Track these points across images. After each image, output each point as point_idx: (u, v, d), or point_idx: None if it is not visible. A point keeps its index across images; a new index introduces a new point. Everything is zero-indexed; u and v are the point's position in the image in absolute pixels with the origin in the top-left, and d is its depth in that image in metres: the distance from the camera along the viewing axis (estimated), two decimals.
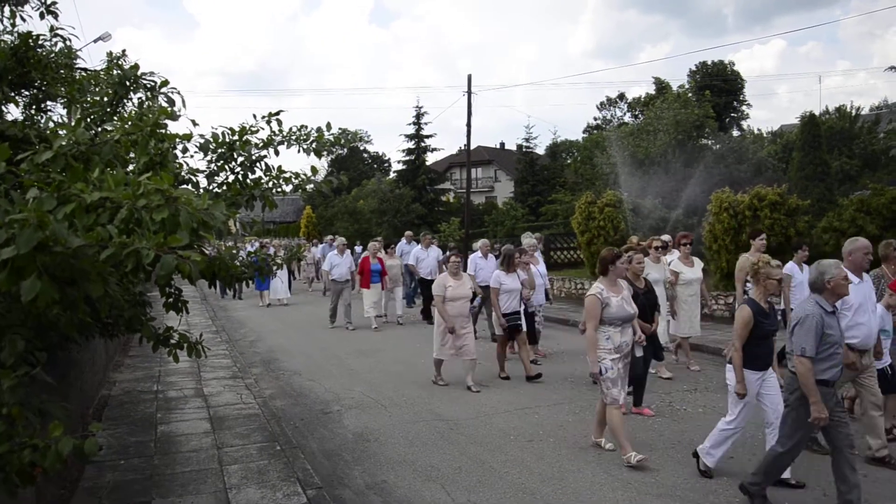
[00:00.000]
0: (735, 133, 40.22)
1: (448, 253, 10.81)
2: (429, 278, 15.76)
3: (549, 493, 5.84)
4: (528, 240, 12.41)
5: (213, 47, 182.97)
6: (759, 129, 41.61)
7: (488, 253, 13.60)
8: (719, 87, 43.52)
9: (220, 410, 8.36)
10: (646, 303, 8.08)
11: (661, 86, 41.30)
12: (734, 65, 46.91)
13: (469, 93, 31.01)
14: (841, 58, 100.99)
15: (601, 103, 54.55)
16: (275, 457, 6.57)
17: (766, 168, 26.72)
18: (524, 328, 10.26)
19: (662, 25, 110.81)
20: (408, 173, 40.24)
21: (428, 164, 42.25)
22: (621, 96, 52.96)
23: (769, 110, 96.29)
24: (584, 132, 51.91)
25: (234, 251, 5.14)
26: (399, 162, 41.47)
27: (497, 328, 10.36)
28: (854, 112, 32.03)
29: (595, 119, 54.32)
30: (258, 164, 5.39)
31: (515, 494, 5.83)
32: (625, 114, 51.23)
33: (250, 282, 5.21)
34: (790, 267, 8.88)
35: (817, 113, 32.09)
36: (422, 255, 16.75)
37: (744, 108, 47.36)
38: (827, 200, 17.95)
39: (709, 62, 46.13)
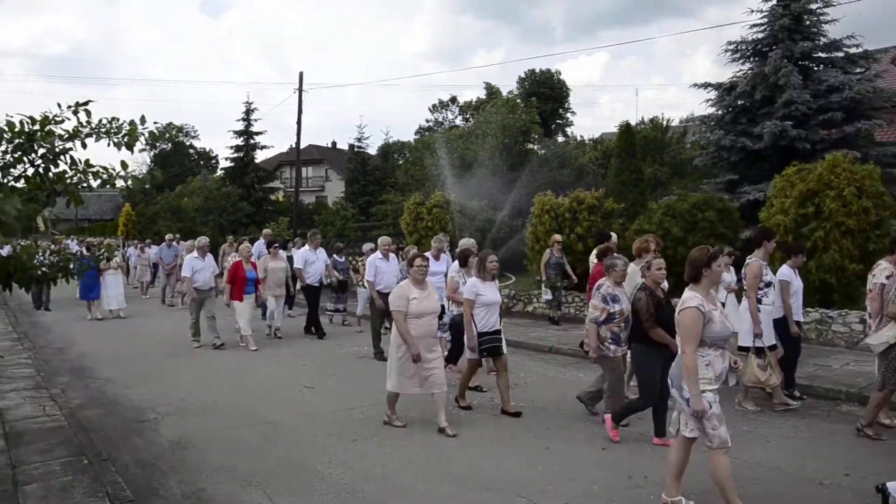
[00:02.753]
0: (560, 139, 42.04)
1: (413, 254, 8.27)
2: (315, 285, 13.94)
3: (372, 491, 5.74)
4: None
5: (15, 25, 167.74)
6: (581, 136, 43.67)
7: (390, 252, 11.75)
8: (546, 94, 45.23)
9: (19, 425, 7.56)
10: (670, 316, 7.19)
11: (492, 91, 42.45)
12: (561, 74, 49.01)
13: (300, 90, 30.42)
14: (656, 73, 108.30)
15: (434, 105, 55.18)
16: (82, 471, 5.96)
17: (587, 173, 28.00)
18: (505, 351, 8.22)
19: (496, 32, 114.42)
20: (236, 171, 38.80)
21: (257, 161, 40.98)
22: (453, 99, 53.87)
23: (592, 118, 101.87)
24: (416, 133, 52.32)
25: (36, 249, 4.62)
26: (227, 159, 39.89)
27: (470, 351, 8.10)
28: (665, 123, 34.29)
29: (427, 121, 54.86)
30: (62, 158, 4.92)
31: (338, 495, 5.67)
32: (456, 117, 52.16)
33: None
34: (787, 272, 8.25)
35: (634, 123, 34.07)
36: (310, 258, 14.01)
37: (569, 115, 49.49)
38: (640, 204, 19.00)
39: (537, 70, 47.85)
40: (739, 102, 17.72)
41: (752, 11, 18.19)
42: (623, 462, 6.42)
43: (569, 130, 48.47)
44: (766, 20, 17.85)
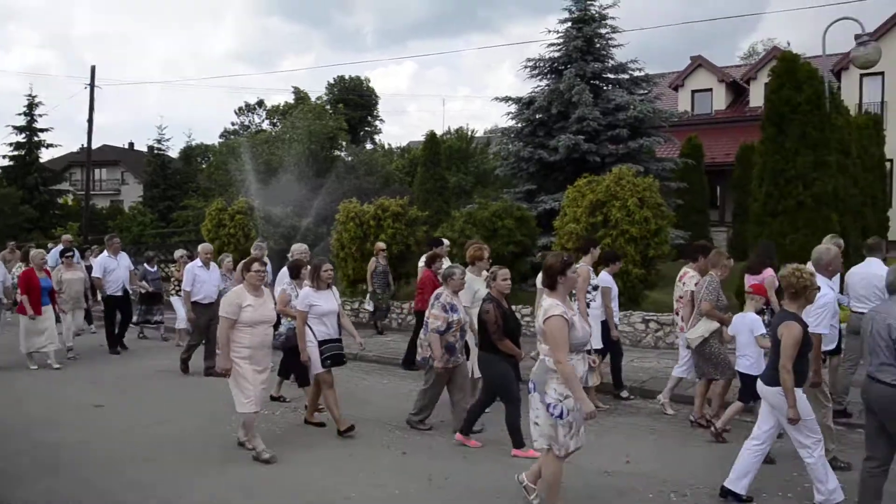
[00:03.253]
0: (368, 146, 42.19)
1: (250, 257, 7.58)
2: (118, 294, 12.49)
3: None
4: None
5: None
6: (389, 144, 44.13)
7: (211, 261, 10.97)
8: (355, 101, 45.37)
9: None
10: (515, 325, 7.08)
11: (301, 96, 41.84)
12: (370, 81, 49.30)
13: (92, 85, 28.41)
14: (463, 84, 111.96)
15: (240, 108, 53.66)
16: None
17: (393, 181, 28.32)
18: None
19: (305, 36, 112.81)
20: (16, 170, 35.55)
21: (42, 161, 37.78)
22: (260, 103, 52.60)
23: (400, 127, 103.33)
24: (220, 137, 50.52)
25: None
26: (5, 157, 36.43)
27: (315, 366, 7.47)
28: (470, 134, 35.42)
29: (233, 124, 53.25)
30: None
31: None
32: (263, 121, 50.95)
33: None
34: (607, 279, 8.63)
35: (441, 133, 34.91)
36: (110, 265, 12.48)
37: (377, 123, 50.01)
38: (444, 212, 19.43)
39: (347, 76, 47.83)
40: (537, 116, 18.57)
41: (550, 31, 19.23)
42: (423, 465, 6.47)
43: (377, 138, 48.88)
44: (562, 40, 18.88)
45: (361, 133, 46.82)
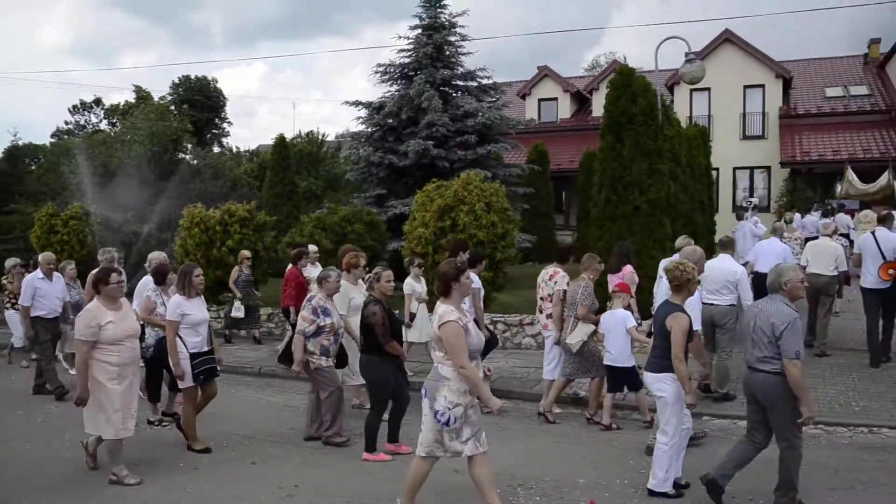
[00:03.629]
0: (215, 149, 40.80)
1: (103, 268, 6.98)
2: None
3: None
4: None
5: None
6: (238, 147, 42.84)
7: (53, 272, 9.98)
8: (202, 102, 43.66)
9: None
10: (399, 327, 7.27)
11: (142, 95, 39.79)
12: (217, 82, 47.60)
13: None
14: (315, 88, 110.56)
15: (74, 107, 50.23)
16: None
17: (241, 185, 27.48)
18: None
19: (148, 31, 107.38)
20: None
21: None
22: (98, 101, 49.51)
23: (250, 130, 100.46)
24: (52, 137, 47.09)
25: None
26: None
27: (184, 379, 6.96)
28: (321, 138, 34.99)
29: (67, 123, 49.74)
30: None
31: None
32: (101, 120, 47.99)
33: None
34: (476, 280, 8.43)
35: (291, 136, 34.26)
36: None
37: (225, 125, 48.29)
38: (294, 217, 19.09)
39: (193, 76, 45.95)
40: (388, 121, 18.56)
41: (401, 38, 19.27)
42: (272, 474, 6.33)
43: (225, 141, 47.27)
44: (412, 47, 18.96)
45: (208, 135, 45.14)
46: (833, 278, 10.30)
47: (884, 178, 21.67)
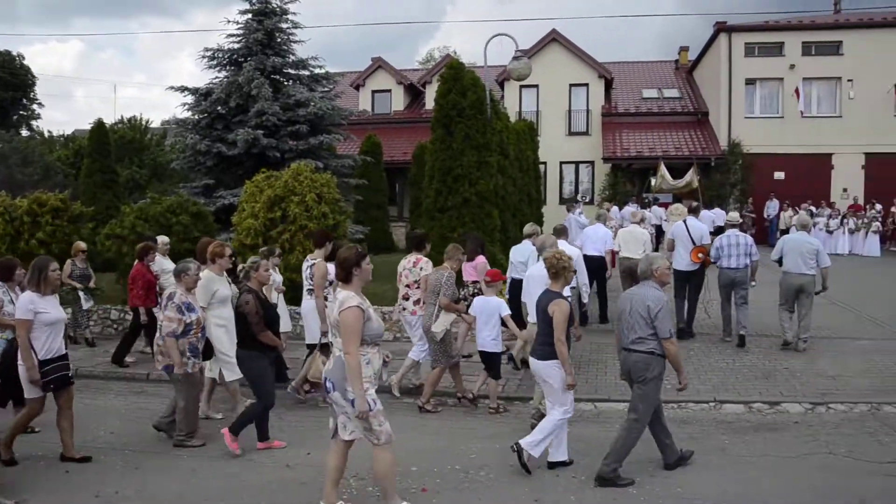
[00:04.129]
0: (24, 133, 37.67)
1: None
2: None
3: None
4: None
5: None
6: (50, 132, 39.80)
7: None
8: (7, 80, 40.14)
9: None
10: (274, 316, 6.95)
11: None
12: (25, 58, 43.75)
13: None
14: (139, 71, 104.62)
15: None
16: None
17: (55, 172, 25.60)
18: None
19: None
20: None
21: None
22: None
23: (65, 113, 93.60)
24: None
25: None
26: None
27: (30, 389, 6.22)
28: (145, 124, 33.21)
29: None
30: None
31: None
32: None
33: None
34: None
35: (112, 121, 32.27)
36: None
37: (35, 106, 44.57)
38: (115, 208, 17.97)
39: None
40: (216, 109, 17.91)
41: (229, 22, 18.61)
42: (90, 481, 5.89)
43: (35, 124, 43.68)
44: (242, 32, 18.36)
45: (15, 117, 41.59)
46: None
47: (690, 174, 23.55)
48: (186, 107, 18.39)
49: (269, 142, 16.80)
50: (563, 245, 8.97)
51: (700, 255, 10.73)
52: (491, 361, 7.82)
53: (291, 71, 18.97)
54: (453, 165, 11.63)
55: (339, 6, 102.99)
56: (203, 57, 18.67)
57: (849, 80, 26.84)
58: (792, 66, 27.10)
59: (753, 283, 10.84)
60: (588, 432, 6.99)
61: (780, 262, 10.48)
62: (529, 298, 7.45)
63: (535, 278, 7.56)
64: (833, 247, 22.97)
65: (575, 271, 6.61)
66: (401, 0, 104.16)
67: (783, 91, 27.36)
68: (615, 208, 21.24)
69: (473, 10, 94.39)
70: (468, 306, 8.22)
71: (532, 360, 6.20)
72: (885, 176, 26.43)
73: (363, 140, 24.00)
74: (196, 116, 18.31)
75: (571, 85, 29.80)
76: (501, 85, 29.64)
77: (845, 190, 26.43)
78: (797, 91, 26.72)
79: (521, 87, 28.66)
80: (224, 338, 7.35)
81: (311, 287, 8.27)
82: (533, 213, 17.54)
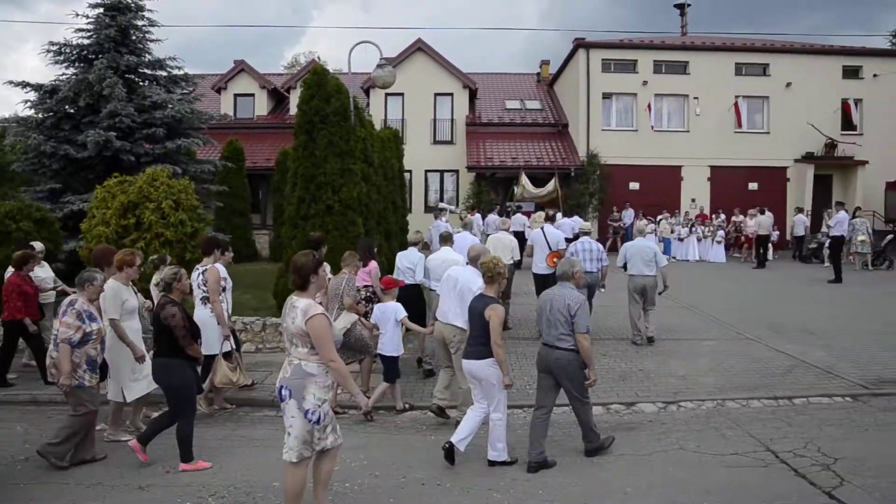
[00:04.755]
0: None
1: None
2: None
3: None
4: None
5: None
6: None
7: None
8: None
9: None
10: (197, 328, 6.71)
11: None
12: None
13: None
14: None
15: None
16: None
17: None
18: None
19: None
20: None
21: None
22: None
23: None
24: None
25: None
26: None
27: None
28: None
29: None
30: None
31: None
32: None
33: None
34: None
35: None
36: None
37: None
38: None
39: None
40: (63, 108, 16.92)
41: (78, 15, 17.59)
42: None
43: None
44: (93, 27, 17.42)
45: None
46: (510, 266, 11.58)
47: (551, 184, 24.44)
48: (29, 104, 17.23)
49: (122, 145, 16.01)
50: (448, 251, 9.82)
51: (555, 259, 11.34)
52: (390, 365, 8.09)
53: (148, 71, 18.17)
54: (316, 173, 11.46)
55: (201, 6, 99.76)
56: (48, 51, 17.54)
57: (695, 98, 28.69)
58: (645, 83, 28.64)
59: (603, 289, 11.81)
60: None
61: (625, 266, 11.48)
62: (444, 296, 7.74)
63: (454, 280, 7.68)
64: (684, 253, 24.56)
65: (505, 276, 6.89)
66: (267, 3, 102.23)
67: (637, 106, 28.84)
68: (478, 215, 21.66)
69: (340, 17, 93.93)
70: (368, 313, 8.63)
71: (466, 362, 6.47)
72: (727, 187, 28.45)
73: (225, 145, 23.26)
74: (40, 115, 17.19)
75: (436, 94, 30.16)
76: (367, 92, 29.59)
77: (693, 200, 28.13)
78: (649, 106, 28.25)
79: (387, 94, 28.72)
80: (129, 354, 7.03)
81: (204, 295, 7.98)
82: (398, 221, 17.58)
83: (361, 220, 11.94)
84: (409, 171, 27.04)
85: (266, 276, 9.70)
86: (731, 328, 12.47)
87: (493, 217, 20.75)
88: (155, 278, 8.19)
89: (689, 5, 35.98)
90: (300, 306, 4.86)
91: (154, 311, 6.62)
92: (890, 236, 23.20)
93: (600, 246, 11.70)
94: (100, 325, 6.54)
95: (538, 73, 36.69)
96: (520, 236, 18.45)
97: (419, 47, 30.01)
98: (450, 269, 8.07)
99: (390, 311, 8.10)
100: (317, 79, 11.90)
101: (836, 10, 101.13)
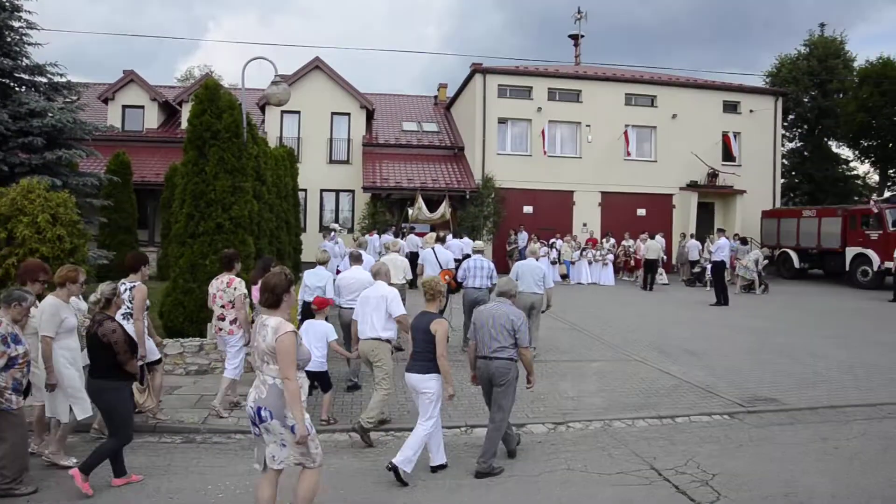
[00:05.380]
0: None
1: None
2: None
3: None
4: None
5: None
6: None
7: None
8: None
9: None
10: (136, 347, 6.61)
11: None
12: None
13: None
14: None
15: None
16: None
17: None
18: None
19: None
20: None
21: None
22: None
23: None
24: None
25: None
26: None
27: None
28: None
29: None
30: None
31: None
32: None
33: None
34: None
35: None
36: None
37: None
38: None
39: None
40: None
41: None
42: None
43: None
44: None
45: None
46: (402, 286, 12.27)
47: (443, 206, 24.75)
48: None
49: None
50: (358, 270, 10.40)
51: (446, 277, 11.85)
52: (320, 378, 8.28)
53: (25, 76, 17.14)
54: (206, 190, 11.11)
55: (89, 11, 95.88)
56: None
57: (587, 125, 29.65)
58: (539, 109, 29.39)
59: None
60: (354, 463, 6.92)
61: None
62: (362, 318, 8.11)
63: (369, 300, 8.11)
64: (577, 276, 25.24)
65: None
66: (161, 11, 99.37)
67: (532, 131, 29.54)
68: (375, 236, 21.58)
69: (238, 31, 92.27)
70: None
71: (409, 375, 6.75)
72: (617, 212, 29.49)
73: (111, 158, 22.27)
74: None
75: (333, 113, 29.98)
76: (263, 109, 29.13)
77: (585, 224, 28.94)
78: (543, 132, 28.97)
79: (283, 112, 28.34)
80: (74, 373, 6.68)
81: (128, 311, 7.68)
82: (291, 240, 17.32)
83: (252, 238, 11.67)
84: (305, 190, 26.74)
85: (152, 295, 9.29)
86: (619, 349, 12.84)
87: (386, 237, 20.75)
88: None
89: (582, 36, 37.29)
90: (271, 324, 4.91)
91: (90, 328, 6.31)
92: (765, 261, 24.54)
93: (491, 264, 12.33)
94: (25, 348, 6.13)
95: (436, 96, 37.07)
96: (415, 256, 18.58)
97: (317, 65, 29.79)
98: (362, 293, 8.42)
99: (322, 331, 8.22)
100: (208, 93, 11.58)
101: (718, 48, 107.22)
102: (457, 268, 13.12)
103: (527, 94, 29.78)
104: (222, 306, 8.61)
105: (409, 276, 13.09)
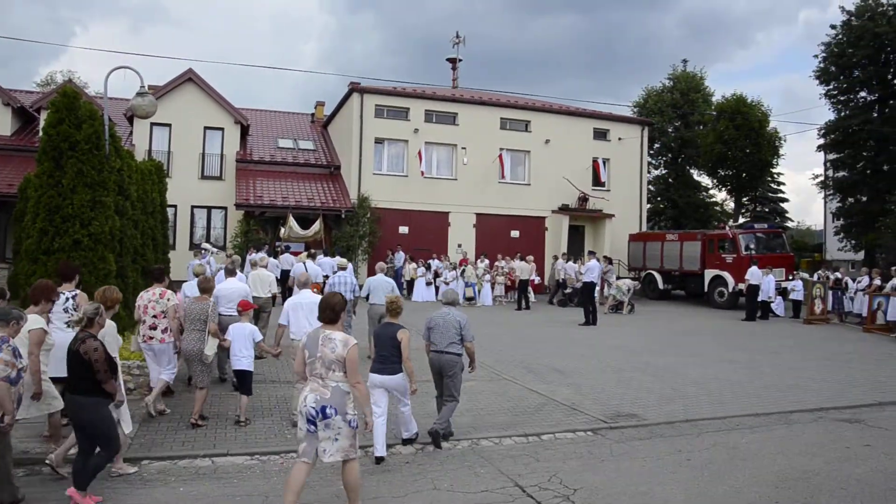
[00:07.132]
0: None
1: None
2: None
3: None
4: None
5: None
6: None
7: None
8: None
9: None
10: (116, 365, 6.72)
11: None
12: None
13: None
14: None
15: None
16: None
17: None
18: None
19: None
20: None
21: None
22: None
23: None
24: None
25: None
26: None
27: None
28: None
29: None
30: None
31: None
32: None
33: None
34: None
35: None
36: None
37: None
38: None
39: None
40: None
41: None
42: None
43: None
44: None
45: None
46: (268, 299, 13.47)
47: (317, 225, 24.62)
48: None
49: None
50: (234, 281, 11.47)
51: (314, 290, 12.30)
52: (244, 379, 9.06)
53: None
54: (63, 203, 10.50)
55: None
56: None
57: (463, 148, 30.17)
58: (416, 130, 29.67)
59: (354, 314, 13.50)
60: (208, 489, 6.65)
61: (367, 297, 13.62)
62: (295, 324, 9.27)
63: (302, 306, 9.33)
64: (486, 298, 25.90)
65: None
66: (22, 8, 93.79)
67: (408, 152, 29.76)
68: (249, 254, 21.09)
69: (106, 38, 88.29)
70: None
71: (380, 377, 7.83)
72: (492, 233, 30.10)
73: None
74: None
75: (206, 128, 29.17)
76: (131, 120, 27.94)
77: (460, 245, 29.31)
78: (420, 153, 29.23)
79: (153, 124, 27.34)
80: (52, 389, 7.08)
81: (70, 319, 7.34)
82: (158, 257, 16.60)
83: (113, 256, 11.12)
84: (174, 206, 25.81)
85: None
86: (490, 369, 13.00)
87: (255, 255, 20.33)
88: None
89: (460, 60, 38.03)
90: (338, 338, 5.85)
91: (72, 345, 6.28)
92: (638, 286, 25.72)
93: (354, 279, 14.09)
94: (25, 362, 6.30)
95: (313, 114, 36.76)
96: (286, 273, 18.76)
97: (190, 78, 28.92)
98: (297, 301, 9.52)
99: (248, 332, 9.11)
100: (66, 101, 10.99)
101: (591, 78, 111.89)
102: (323, 283, 15.42)
103: (404, 114, 29.99)
104: (154, 316, 9.22)
105: (275, 290, 13.90)
